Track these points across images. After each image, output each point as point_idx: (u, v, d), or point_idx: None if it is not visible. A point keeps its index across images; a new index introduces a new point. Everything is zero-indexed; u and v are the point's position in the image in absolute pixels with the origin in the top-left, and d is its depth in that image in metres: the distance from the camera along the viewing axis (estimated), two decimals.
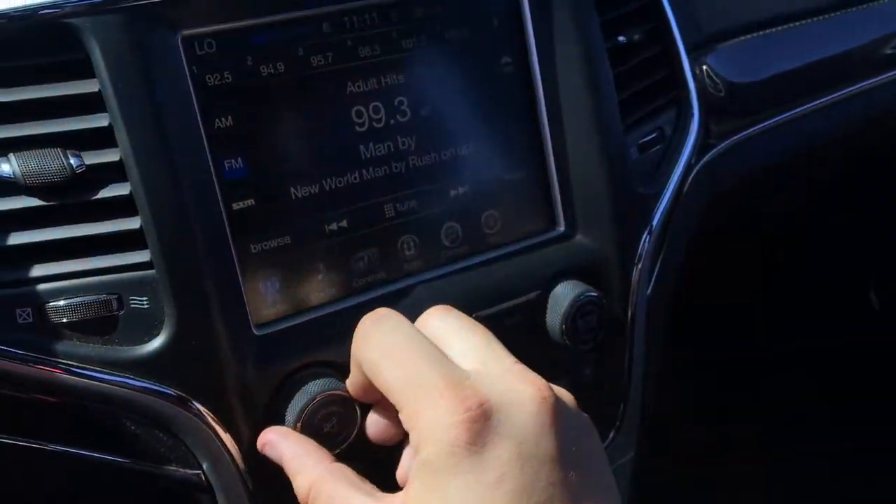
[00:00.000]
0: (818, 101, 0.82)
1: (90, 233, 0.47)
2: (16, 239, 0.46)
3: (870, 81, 0.86)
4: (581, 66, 0.60)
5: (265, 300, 0.52)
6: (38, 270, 0.46)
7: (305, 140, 0.53)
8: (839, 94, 0.85)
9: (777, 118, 0.79)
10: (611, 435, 0.65)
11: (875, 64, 0.87)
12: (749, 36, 0.81)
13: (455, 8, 0.57)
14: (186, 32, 0.48)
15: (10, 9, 0.45)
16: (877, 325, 1.28)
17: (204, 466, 0.50)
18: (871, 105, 0.89)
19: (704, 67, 0.75)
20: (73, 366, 0.46)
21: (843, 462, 1.21)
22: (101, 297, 0.47)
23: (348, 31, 0.54)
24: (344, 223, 0.55)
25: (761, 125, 0.78)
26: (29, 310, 0.46)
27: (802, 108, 0.81)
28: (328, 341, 0.52)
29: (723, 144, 0.77)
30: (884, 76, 0.85)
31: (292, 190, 0.53)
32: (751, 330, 1.25)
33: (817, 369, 1.29)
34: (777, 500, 1.23)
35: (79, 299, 0.46)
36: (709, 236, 0.83)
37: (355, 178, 0.55)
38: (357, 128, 0.54)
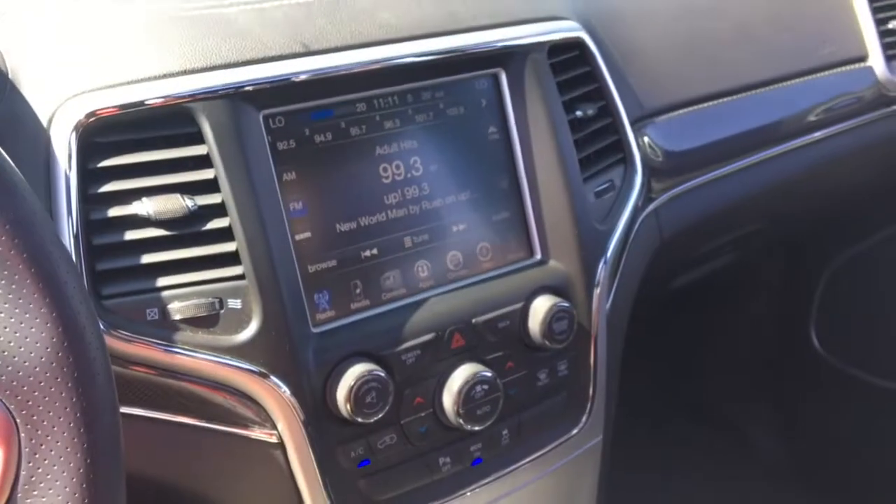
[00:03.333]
0: (739, 163, 1.02)
1: (199, 254, 0.63)
2: (147, 259, 0.62)
3: (781, 147, 1.06)
4: (548, 134, 0.78)
5: (319, 307, 0.70)
6: (162, 281, 0.63)
7: (347, 188, 0.71)
8: (757, 157, 1.05)
9: (705, 177, 0.98)
10: (583, 419, 0.82)
11: (785, 134, 1.08)
12: (683, 111, 1.01)
13: (454, 93, 0.76)
14: (265, 111, 0.67)
15: (147, 98, 0.62)
16: (815, 361, 1.46)
17: (279, 427, 0.66)
18: (785, 166, 1.09)
19: (645, 138, 0.94)
20: (187, 349, 0.63)
21: None
22: (207, 299, 0.63)
23: (377, 109, 0.72)
24: (375, 251, 0.72)
25: (693, 182, 0.97)
26: (156, 309, 0.62)
27: (726, 168, 1.00)
28: (366, 337, 0.69)
29: (663, 197, 0.96)
30: (788, 144, 1.06)
31: (337, 225, 0.71)
32: (699, 353, 1.44)
33: (759, 388, 1.47)
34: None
35: (191, 301, 0.63)
36: (662, 277, 1.02)
37: (383, 217, 0.73)
38: (384, 180, 0.73)
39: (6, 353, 0.39)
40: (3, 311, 0.39)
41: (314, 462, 0.67)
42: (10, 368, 0.39)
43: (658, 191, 0.95)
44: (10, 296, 0.39)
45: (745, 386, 1.52)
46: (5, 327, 0.39)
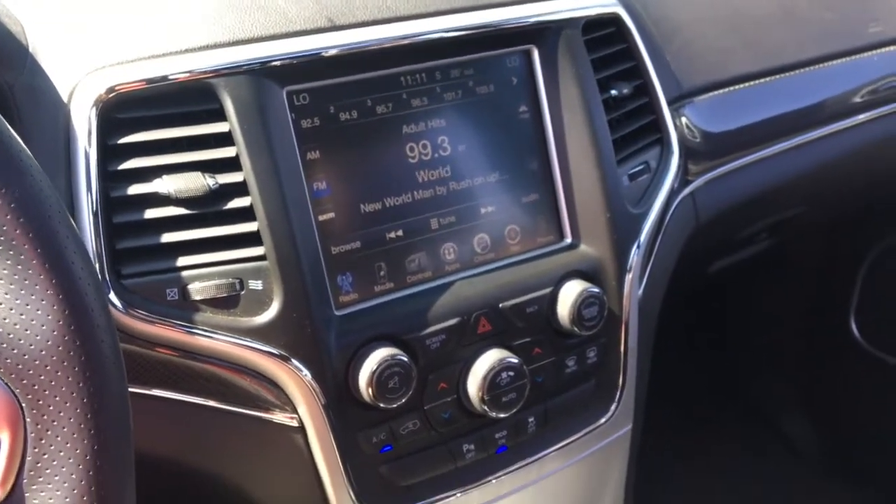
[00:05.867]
0: (779, 146, 0.98)
1: (220, 234, 0.62)
2: (167, 238, 0.61)
3: (824, 129, 1.02)
4: (581, 114, 0.76)
5: (342, 289, 0.68)
6: (182, 261, 0.62)
7: (372, 168, 0.69)
8: (799, 139, 1.01)
9: (744, 159, 0.95)
10: (612, 408, 0.80)
11: (829, 116, 1.04)
12: (722, 91, 0.98)
13: (484, 70, 0.73)
14: (289, 88, 0.65)
15: (168, 73, 0.61)
16: (854, 350, 1.43)
17: (299, 411, 0.65)
18: (829, 149, 1.05)
19: (683, 119, 0.91)
20: (207, 330, 0.62)
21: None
22: (228, 280, 0.62)
23: (404, 87, 0.70)
24: (400, 233, 0.71)
25: (731, 165, 0.94)
26: (176, 289, 0.61)
27: (766, 151, 0.97)
28: (389, 321, 0.68)
29: (700, 179, 0.93)
30: (831, 126, 1.02)
31: (362, 206, 0.69)
32: (734, 339, 1.41)
33: (794, 377, 1.43)
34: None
35: (212, 282, 0.61)
36: (698, 262, 0.99)
37: (409, 198, 0.71)
38: (410, 160, 0.71)
39: (11, 336, 0.38)
40: (10, 291, 0.38)
41: (335, 447, 0.66)
42: (15, 351, 0.38)
43: (695, 173, 0.92)
44: (17, 276, 0.38)
45: (781, 374, 1.49)
46: (11, 308, 0.38)
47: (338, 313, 0.67)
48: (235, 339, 0.62)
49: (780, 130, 1.00)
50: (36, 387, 0.39)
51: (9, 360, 0.38)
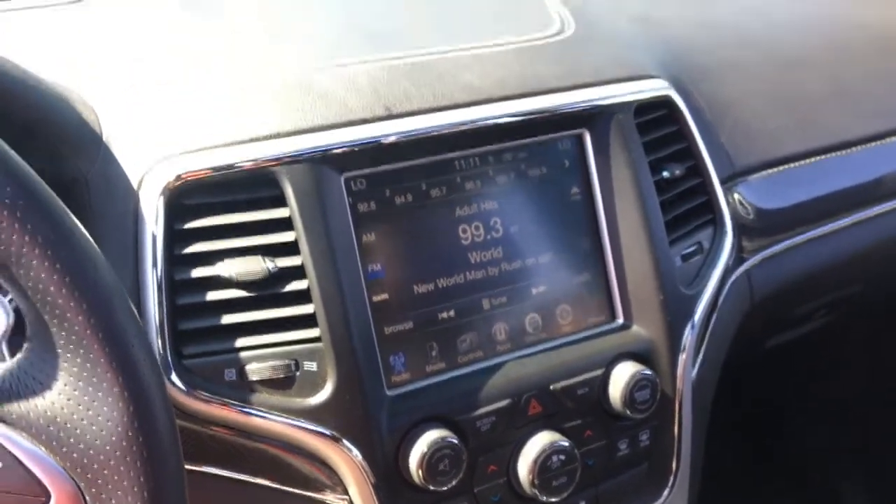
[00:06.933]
0: (835, 224, 0.97)
1: (278, 315, 0.64)
2: (227, 319, 0.63)
3: (881, 207, 1.01)
4: (633, 196, 0.77)
5: (394, 369, 0.69)
6: (241, 342, 0.63)
7: (425, 250, 0.70)
8: (855, 216, 1.00)
9: (799, 237, 0.94)
10: (665, 493, 0.79)
11: (885, 194, 1.03)
12: (774, 170, 0.98)
13: (536, 153, 0.75)
14: (347, 174, 0.67)
15: (233, 161, 0.64)
16: None
17: (350, 492, 0.65)
18: (886, 227, 1.04)
19: (736, 196, 0.91)
20: (262, 411, 0.63)
21: None
22: (284, 361, 0.63)
23: (457, 171, 0.72)
24: (452, 313, 0.71)
25: (786, 243, 0.93)
26: (234, 370, 0.63)
27: (821, 229, 0.96)
28: (440, 402, 0.68)
29: (755, 258, 0.92)
30: (888, 204, 1.01)
31: (415, 287, 0.70)
32: (797, 425, 1.37)
33: (860, 465, 1.38)
34: None
35: (269, 363, 0.63)
36: (753, 340, 0.97)
37: (461, 279, 0.72)
38: (463, 241, 0.72)
39: (79, 431, 0.40)
40: (78, 388, 0.40)
41: None
42: (81, 446, 0.40)
43: (749, 251, 0.91)
44: (85, 374, 0.40)
45: (843, 452, 1.44)
46: (79, 405, 0.40)
47: (390, 393, 0.67)
48: (289, 420, 0.63)
49: (835, 208, 0.99)
50: (99, 481, 0.40)
51: (75, 455, 0.40)
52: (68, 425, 0.40)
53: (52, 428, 0.40)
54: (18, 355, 0.42)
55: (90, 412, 0.40)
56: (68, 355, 0.40)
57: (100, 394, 0.40)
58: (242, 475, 0.65)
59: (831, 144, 1.00)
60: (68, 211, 0.44)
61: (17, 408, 0.40)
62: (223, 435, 0.63)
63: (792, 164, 0.97)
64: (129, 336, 0.42)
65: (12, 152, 0.42)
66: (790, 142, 0.98)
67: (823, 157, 0.99)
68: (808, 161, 0.98)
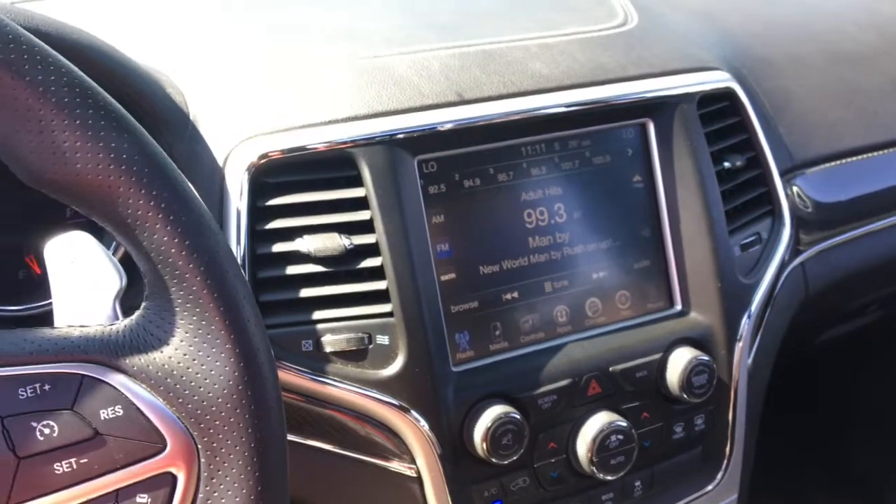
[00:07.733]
0: (891, 219, 0.98)
1: (353, 290, 0.67)
2: (305, 293, 0.66)
3: None
4: (695, 185, 0.78)
5: (459, 346, 0.72)
6: (317, 315, 0.66)
7: (491, 232, 0.73)
8: None
9: (856, 231, 0.95)
10: (718, 476, 0.80)
11: None
12: (833, 164, 0.98)
13: (601, 141, 0.77)
14: (420, 157, 0.70)
15: (313, 143, 0.67)
16: None
17: (417, 462, 0.68)
18: None
19: (795, 188, 0.92)
20: (336, 380, 0.66)
21: None
22: (358, 334, 0.66)
23: (524, 157, 0.74)
24: (515, 294, 0.74)
25: (842, 236, 0.94)
26: (311, 341, 0.66)
27: (878, 223, 0.97)
28: (503, 379, 0.71)
29: (811, 250, 0.93)
30: None
31: (481, 268, 0.72)
32: (839, 413, 1.37)
33: None
34: None
35: (343, 335, 0.66)
36: (806, 332, 0.98)
37: (525, 262, 0.74)
38: (527, 225, 0.74)
39: (193, 384, 0.43)
40: (194, 344, 0.43)
41: (449, 499, 0.69)
42: (196, 398, 0.43)
43: (806, 243, 0.92)
44: (200, 331, 0.43)
45: (890, 449, 1.44)
46: (194, 359, 0.43)
47: (455, 370, 0.70)
48: (362, 390, 0.66)
49: (891, 204, 1.00)
50: (211, 430, 0.43)
51: (190, 406, 0.43)
52: (184, 378, 0.43)
53: (169, 380, 0.43)
54: (137, 312, 0.45)
55: (204, 367, 0.43)
56: (185, 314, 0.43)
57: (214, 350, 0.43)
58: (313, 441, 0.68)
59: (890, 140, 1.00)
60: (186, 179, 0.47)
61: (138, 360, 0.43)
62: (297, 402, 0.66)
63: (850, 159, 0.98)
64: (240, 298, 0.45)
65: (139, 125, 0.45)
66: (849, 136, 0.98)
67: (882, 152, 0.99)
68: (866, 156, 0.98)
